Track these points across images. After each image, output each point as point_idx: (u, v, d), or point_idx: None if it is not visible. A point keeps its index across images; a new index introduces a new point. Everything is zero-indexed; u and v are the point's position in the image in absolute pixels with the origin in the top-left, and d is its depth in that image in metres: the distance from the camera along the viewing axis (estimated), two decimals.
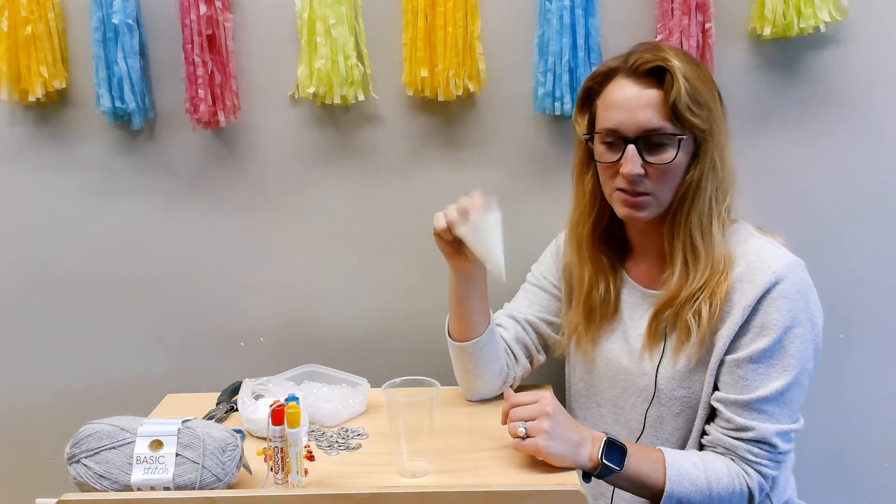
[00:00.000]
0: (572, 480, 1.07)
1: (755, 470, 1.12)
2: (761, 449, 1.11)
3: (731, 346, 1.13)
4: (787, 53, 1.47)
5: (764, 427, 1.10)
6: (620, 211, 1.18)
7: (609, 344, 1.28)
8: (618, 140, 1.15)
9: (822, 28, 1.41)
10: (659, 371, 1.20)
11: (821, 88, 1.48)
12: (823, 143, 1.50)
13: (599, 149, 1.19)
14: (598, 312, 1.27)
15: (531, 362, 1.38)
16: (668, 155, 1.12)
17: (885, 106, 1.49)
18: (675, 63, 1.11)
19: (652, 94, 1.12)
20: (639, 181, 1.14)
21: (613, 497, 1.26)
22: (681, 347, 1.17)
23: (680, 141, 1.12)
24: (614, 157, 1.15)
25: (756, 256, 1.14)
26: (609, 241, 1.28)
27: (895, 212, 1.52)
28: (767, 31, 1.41)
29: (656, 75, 1.13)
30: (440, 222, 1.20)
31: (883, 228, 1.53)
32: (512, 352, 1.36)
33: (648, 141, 1.13)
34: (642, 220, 1.18)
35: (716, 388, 1.16)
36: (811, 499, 1.32)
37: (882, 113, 1.49)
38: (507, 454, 1.14)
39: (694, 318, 1.14)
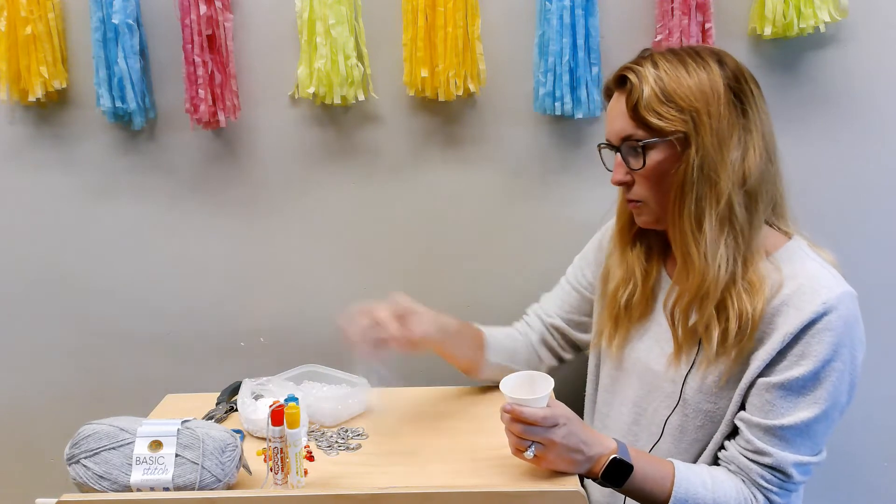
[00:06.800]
0: (572, 481, 1.07)
1: (764, 496, 1.10)
2: (774, 476, 1.09)
3: (766, 370, 1.10)
4: (787, 53, 1.47)
5: (782, 455, 1.08)
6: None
7: (639, 343, 1.25)
8: (612, 150, 1.17)
9: (822, 28, 1.41)
10: (686, 381, 1.17)
11: (821, 88, 1.48)
12: (823, 143, 1.50)
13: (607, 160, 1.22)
14: (623, 314, 1.25)
15: (559, 360, 1.40)
16: (639, 161, 1.12)
17: (885, 106, 1.48)
18: (645, 68, 1.10)
19: (622, 102, 1.13)
20: (627, 188, 1.16)
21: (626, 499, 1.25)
22: (710, 362, 1.13)
23: (645, 147, 1.11)
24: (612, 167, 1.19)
25: (807, 281, 1.09)
26: (651, 240, 1.25)
27: (895, 211, 1.52)
28: (767, 31, 1.41)
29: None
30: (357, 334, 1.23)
31: (883, 228, 1.53)
32: (537, 353, 1.38)
33: (628, 148, 1.13)
34: (645, 225, 1.18)
35: (742, 406, 1.13)
36: (811, 499, 1.32)
37: (882, 113, 1.49)
38: (507, 454, 1.14)
39: (717, 330, 1.10)
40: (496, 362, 1.34)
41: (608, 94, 1.18)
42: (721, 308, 1.11)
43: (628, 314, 1.25)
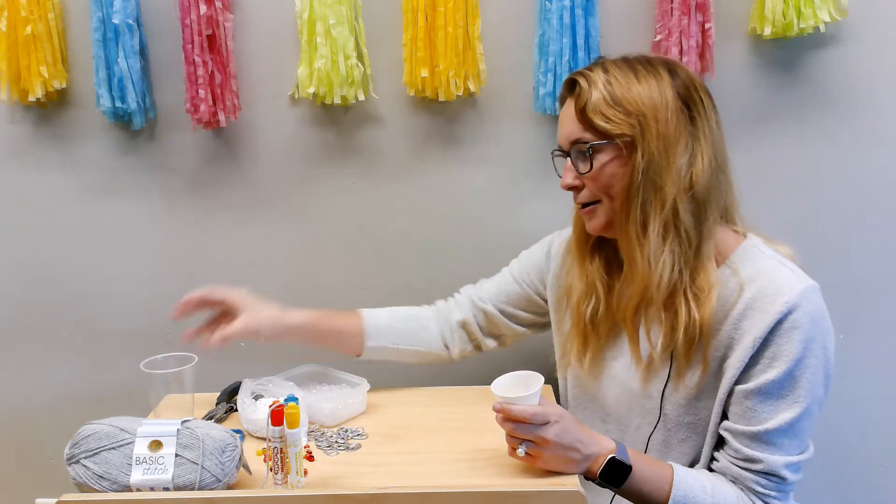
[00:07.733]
0: (572, 481, 1.07)
1: (763, 501, 1.10)
2: (770, 481, 1.09)
3: (741, 377, 1.10)
4: (787, 53, 1.47)
5: (773, 459, 1.08)
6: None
7: (615, 363, 1.24)
8: (564, 156, 1.18)
9: (822, 28, 1.41)
10: (664, 395, 1.17)
11: (821, 88, 1.48)
12: (823, 142, 1.50)
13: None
14: (590, 330, 1.24)
15: (476, 347, 1.40)
16: (587, 165, 1.12)
17: (885, 106, 1.49)
18: (595, 73, 1.11)
19: (572, 106, 1.14)
20: (578, 192, 1.17)
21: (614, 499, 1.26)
22: (683, 373, 1.14)
23: (591, 149, 1.11)
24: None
25: (768, 282, 1.08)
26: (609, 254, 1.24)
27: (895, 211, 1.52)
28: (767, 31, 1.41)
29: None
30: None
31: (883, 228, 1.53)
32: (446, 337, 1.39)
33: (577, 152, 1.14)
34: (596, 229, 1.17)
35: (725, 416, 1.13)
36: (811, 498, 1.32)
37: (882, 113, 1.49)
38: (506, 454, 1.14)
39: (661, 335, 1.12)
40: (376, 346, 1.37)
41: (562, 102, 1.19)
42: (667, 314, 1.12)
43: (596, 331, 1.24)
